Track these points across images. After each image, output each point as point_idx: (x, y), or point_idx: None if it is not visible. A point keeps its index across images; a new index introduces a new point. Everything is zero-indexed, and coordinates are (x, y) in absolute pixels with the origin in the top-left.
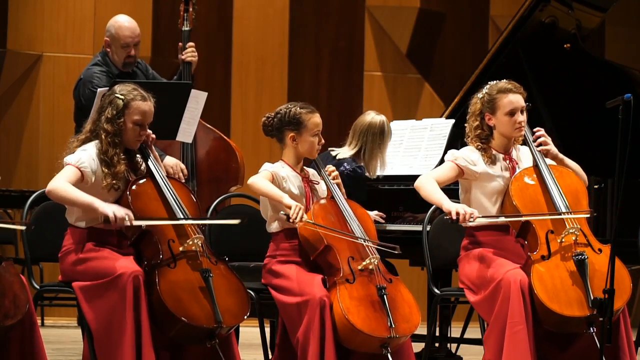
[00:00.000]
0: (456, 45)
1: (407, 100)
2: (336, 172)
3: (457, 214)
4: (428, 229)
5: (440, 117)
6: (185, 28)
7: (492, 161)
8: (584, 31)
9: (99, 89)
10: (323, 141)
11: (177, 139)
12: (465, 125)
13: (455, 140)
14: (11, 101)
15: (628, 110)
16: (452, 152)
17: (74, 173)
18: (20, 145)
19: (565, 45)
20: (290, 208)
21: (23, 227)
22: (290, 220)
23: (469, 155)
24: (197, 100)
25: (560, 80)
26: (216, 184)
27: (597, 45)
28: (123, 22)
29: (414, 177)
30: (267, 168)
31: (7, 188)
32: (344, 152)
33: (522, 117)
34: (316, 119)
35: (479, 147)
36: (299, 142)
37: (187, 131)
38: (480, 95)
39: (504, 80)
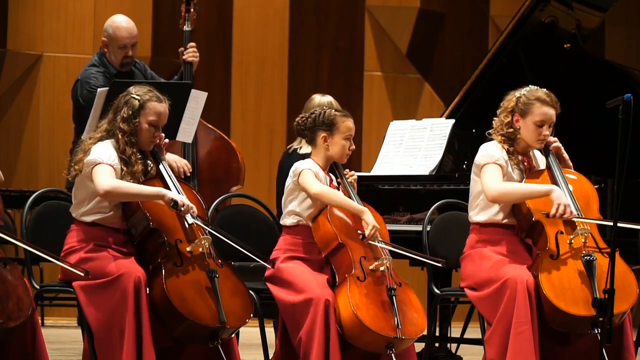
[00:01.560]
0: (456, 45)
1: (407, 100)
2: (355, 177)
3: (559, 207)
4: (428, 229)
5: (440, 117)
6: (187, 28)
7: (517, 165)
8: (584, 31)
9: (98, 90)
10: (354, 147)
11: (177, 139)
12: (495, 119)
13: (455, 140)
14: (11, 101)
15: (628, 110)
16: (489, 155)
17: (111, 171)
18: (20, 145)
19: (565, 45)
20: (368, 225)
21: (82, 274)
22: (365, 240)
23: (502, 155)
24: (197, 100)
25: (560, 80)
26: (217, 184)
27: (597, 45)
28: (121, 23)
29: (414, 177)
30: (309, 167)
31: (7, 188)
32: (305, 146)
33: (547, 131)
34: (349, 123)
35: (507, 150)
36: (330, 143)
37: (187, 131)
38: (518, 94)
39: (545, 90)
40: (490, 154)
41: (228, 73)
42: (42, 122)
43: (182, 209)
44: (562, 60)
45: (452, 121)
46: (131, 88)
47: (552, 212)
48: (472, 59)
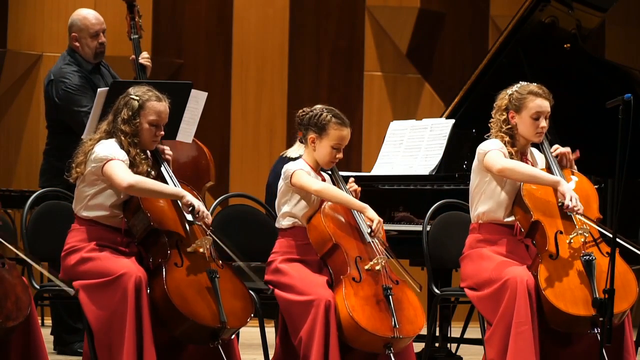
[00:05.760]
0: (456, 45)
1: (407, 100)
2: (355, 187)
3: (572, 198)
4: (428, 229)
5: (440, 117)
6: (134, 36)
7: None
8: (584, 31)
9: (99, 90)
10: (342, 156)
11: (177, 139)
12: (491, 120)
13: (455, 140)
14: (11, 101)
15: (628, 110)
16: (493, 142)
17: (126, 166)
18: (20, 145)
19: (565, 45)
20: (372, 221)
21: (71, 292)
22: (372, 233)
23: (504, 147)
24: (197, 100)
25: (560, 80)
26: (189, 183)
27: (597, 45)
28: (86, 13)
29: (414, 177)
30: (301, 167)
31: (7, 188)
32: (295, 150)
33: (544, 123)
34: (342, 132)
35: (507, 143)
36: (317, 146)
37: (187, 131)
38: (509, 91)
39: (535, 84)
40: (493, 143)
41: (228, 73)
42: (42, 122)
43: (198, 214)
44: (562, 60)
45: (452, 121)
46: (130, 89)
47: (567, 202)
48: (472, 59)
